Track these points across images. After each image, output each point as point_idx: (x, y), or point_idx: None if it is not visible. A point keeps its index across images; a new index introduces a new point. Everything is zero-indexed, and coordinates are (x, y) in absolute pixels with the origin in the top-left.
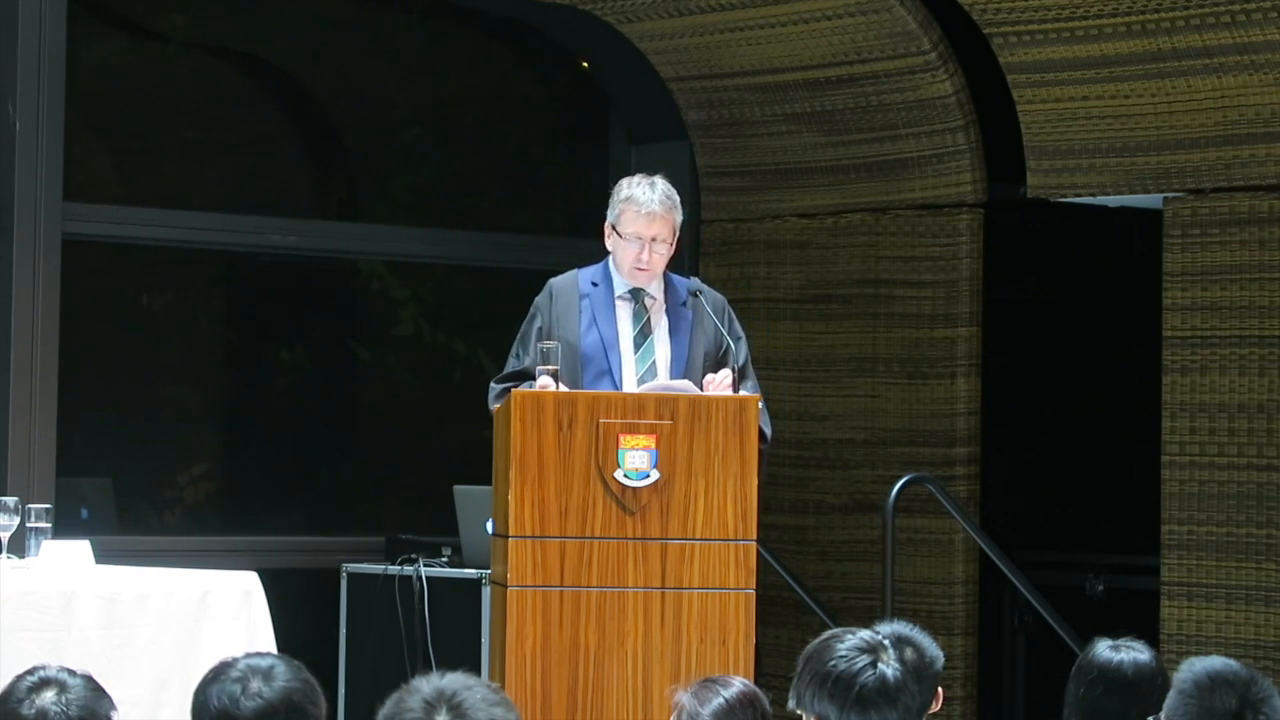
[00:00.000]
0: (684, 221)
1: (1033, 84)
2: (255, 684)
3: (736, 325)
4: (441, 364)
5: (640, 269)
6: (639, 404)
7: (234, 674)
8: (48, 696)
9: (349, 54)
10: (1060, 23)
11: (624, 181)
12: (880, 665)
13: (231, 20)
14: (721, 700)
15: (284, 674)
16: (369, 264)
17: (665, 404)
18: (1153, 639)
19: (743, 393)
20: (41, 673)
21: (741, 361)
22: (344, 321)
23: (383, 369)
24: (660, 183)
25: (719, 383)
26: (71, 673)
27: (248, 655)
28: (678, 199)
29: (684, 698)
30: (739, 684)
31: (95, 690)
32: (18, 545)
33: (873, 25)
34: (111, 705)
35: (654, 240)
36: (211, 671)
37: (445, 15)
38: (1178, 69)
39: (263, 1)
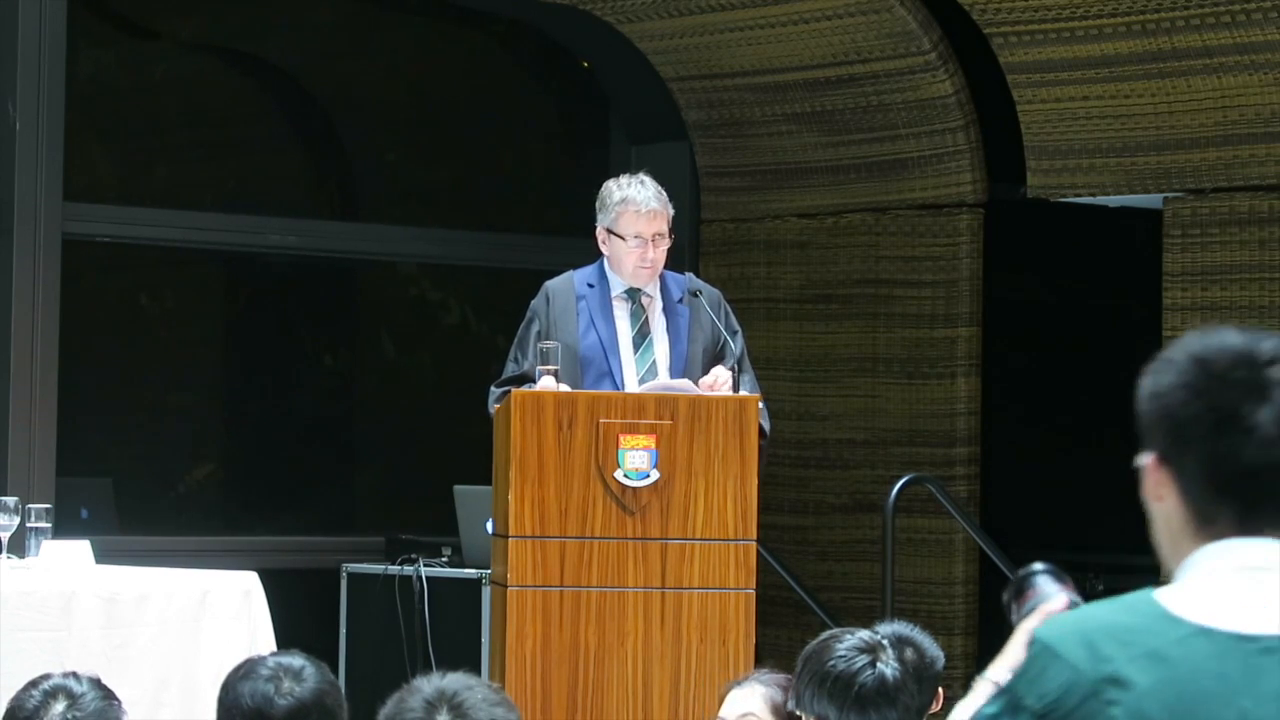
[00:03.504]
0: (684, 221)
1: (1033, 84)
2: (288, 683)
3: (733, 319)
4: (442, 364)
5: (645, 267)
6: (639, 404)
7: (264, 672)
8: (57, 710)
9: (349, 54)
10: (1060, 23)
11: (611, 185)
12: (879, 665)
13: (231, 20)
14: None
15: (314, 675)
16: (368, 264)
17: (665, 404)
18: None
19: (742, 390)
20: (47, 684)
21: (739, 355)
22: (344, 322)
23: (383, 368)
24: (648, 180)
25: (719, 383)
26: (78, 678)
27: (275, 655)
28: (665, 192)
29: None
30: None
31: (105, 697)
32: (18, 545)
33: (873, 25)
34: (121, 709)
35: (655, 236)
36: (241, 668)
37: (445, 15)
38: (1178, 69)
39: (263, 2)
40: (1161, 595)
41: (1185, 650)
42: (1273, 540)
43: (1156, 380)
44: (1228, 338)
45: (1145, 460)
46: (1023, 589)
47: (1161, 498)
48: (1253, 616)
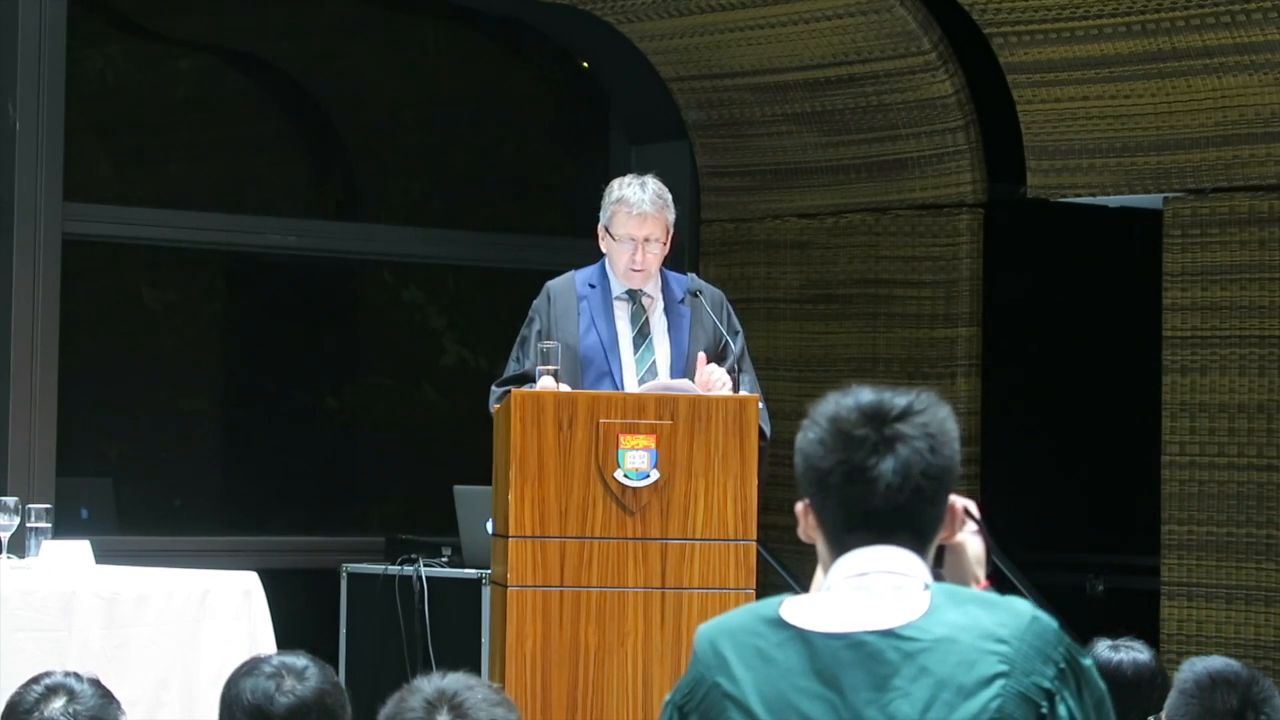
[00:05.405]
0: (684, 221)
1: (1033, 84)
2: (289, 682)
3: (734, 319)
4: (442, 363)
5: (635, 270)
6: (639, 404)
7: (267, 669)
8: (56, 705)
9: (349, 54)
10: (1060, 23)
11: (615, 183)
12: None
13: (231, 20)
14: None
15: (316, 675)
16: (368, 264)
17: (665, 404)
18: (1153, 639)
19: (742, 390)
20: (48, 680)
21: (738, 355)
22: (344, 321)
23: (383, 368)
24: (651, 182)
25: (718, 382)
26: (78, 677)
27: (280, 653)
28: (669, 197)
29: None
30: None
31: (104, 696)
32: (18, 545)
33: (873, 25)
34: (120, 709)
35: (647, 241)
36: (244, 666)
37: (445, 15)
38: (1178, 69)
39: (263, 2)
40: (784, 603)
41: (784, 652)
42: (893, 546)
43: (803, 437)
44: (862, 397)
45: (798, 507)
46: None
47: (813, 538)
48: (846, 618)
